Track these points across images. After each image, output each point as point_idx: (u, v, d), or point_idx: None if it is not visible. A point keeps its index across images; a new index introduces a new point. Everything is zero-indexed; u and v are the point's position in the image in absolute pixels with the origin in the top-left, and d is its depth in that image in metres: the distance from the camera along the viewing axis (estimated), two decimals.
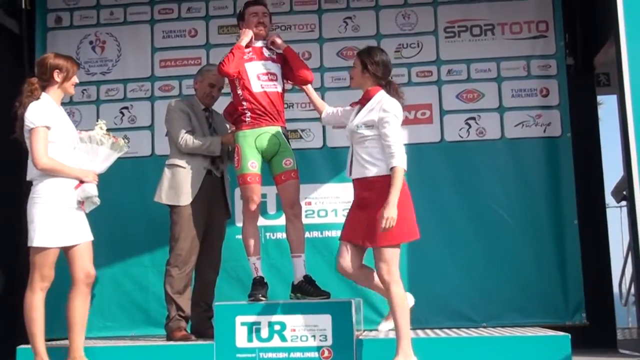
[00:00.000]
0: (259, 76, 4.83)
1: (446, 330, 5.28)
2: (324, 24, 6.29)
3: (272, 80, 4.86)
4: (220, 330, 4.60)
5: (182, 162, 5.05)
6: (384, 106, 4.29)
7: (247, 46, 4.91)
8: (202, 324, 5.09)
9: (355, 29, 6.26)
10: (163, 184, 5.08)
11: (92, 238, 4.44)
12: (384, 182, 4.22)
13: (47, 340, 4.41)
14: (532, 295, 5.83)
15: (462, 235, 5.95)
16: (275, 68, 4.91)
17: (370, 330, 5.15)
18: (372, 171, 4.28)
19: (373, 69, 4.38)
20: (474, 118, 6.10)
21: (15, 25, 6.30)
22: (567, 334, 4.59)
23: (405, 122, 6.00)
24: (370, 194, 4.28)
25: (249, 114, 4.82)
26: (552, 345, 4.53)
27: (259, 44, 4.95)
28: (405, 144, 5.90)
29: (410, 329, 4.27)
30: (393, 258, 4.24)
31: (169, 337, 4.98)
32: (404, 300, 4.25)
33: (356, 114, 4.43)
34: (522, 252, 5.91)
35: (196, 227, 5.01)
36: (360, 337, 4.59)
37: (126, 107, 6.28)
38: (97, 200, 4.41)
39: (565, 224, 5.92)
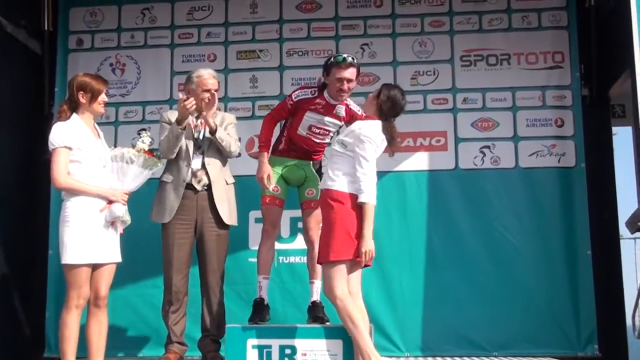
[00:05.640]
0: (310, 127, 4.85)
1: (457, 358, 5.27)
2: (341, 50, 6.29)
3: (323, 134, 4.88)
4: (231, 353, 4.60)
5: (165, 176, 4.97)
6: (363, 132, 4.31)
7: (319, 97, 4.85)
8: (205, 346, 4.99)
9: (372, 55, 6.32)
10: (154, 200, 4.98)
11: (119, 260, 4.42)
12: (336, 197, 4.26)
13: None
14: (544, 325, 5.81)
15: (475, 263, 5.95)
16: (336, 126, 4.89)
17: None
18: (327, 184, 4.34)
19: (382, 99, 4.40)
20: (488, 146, 6.13)
21: (37, 47, 6.41)
22: None
23: (420, 148, 6.15)
24: (321, 207, 4.41)
25: (284, 144, 4.91)
26: None
27: (335, 102, 4.85)
28: (419, 171, 6.09)
29: (422, 356, 4.26)
30: (333, 275, 4.24)
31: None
32: (352, 312, 4.20)
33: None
34: (535, 281, 5.89)
35: (180, 249, 4.91)
36: None
37: (144, 129, 6.29)
38: (128, 219, 4.37)
39: (579, 254, 5.91)
